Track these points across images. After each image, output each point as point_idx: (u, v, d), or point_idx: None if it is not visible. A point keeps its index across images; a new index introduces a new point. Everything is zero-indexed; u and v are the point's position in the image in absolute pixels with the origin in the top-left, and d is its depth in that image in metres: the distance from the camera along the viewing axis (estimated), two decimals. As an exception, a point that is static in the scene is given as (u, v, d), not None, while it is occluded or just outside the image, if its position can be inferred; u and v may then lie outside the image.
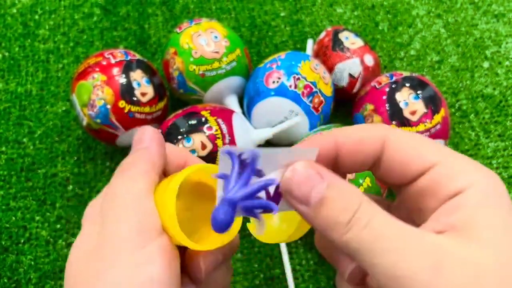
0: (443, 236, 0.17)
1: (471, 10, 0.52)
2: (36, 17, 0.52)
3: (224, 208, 0.18)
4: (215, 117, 0.37)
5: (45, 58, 0.49)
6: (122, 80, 0.38)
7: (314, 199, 0.17)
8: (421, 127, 0.37)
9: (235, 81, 0.42)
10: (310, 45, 0.49)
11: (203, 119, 0.37)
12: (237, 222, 0.21)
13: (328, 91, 0.40)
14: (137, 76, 0.39)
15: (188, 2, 0.53)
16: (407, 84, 0.38)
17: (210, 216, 0.18)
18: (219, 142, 0.36)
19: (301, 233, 0.22)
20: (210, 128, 0.36)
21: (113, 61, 0.39)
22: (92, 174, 0.43)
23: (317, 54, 0.45)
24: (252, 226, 0.22)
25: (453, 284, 0.15)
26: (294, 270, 0.39)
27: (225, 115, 0.38)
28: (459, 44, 0.50)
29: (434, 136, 0.37)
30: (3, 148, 0.44)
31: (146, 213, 0.19)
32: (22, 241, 0.40)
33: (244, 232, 0.40)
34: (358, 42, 0.43)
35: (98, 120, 0.38)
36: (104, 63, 0.39)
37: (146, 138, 0.21)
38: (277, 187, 0.18)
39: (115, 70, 0.38)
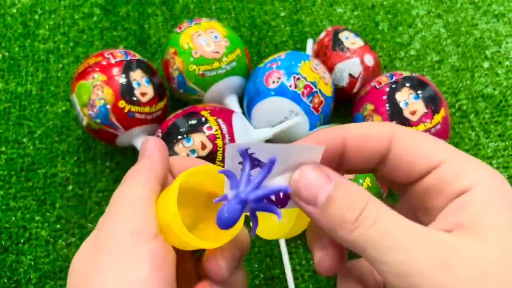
0: (450, 234, 0.17)
1: (471, 10, 0.52)
2: (36, 17, 0.52)
3: (233, 205, 0.18)
4: (215, 117, 0.37)
5: (45, 58, 0.49)
6: (122, 80, 0.38)
7: (321, 199, 0.17)
8: (421, 127, 0.37)
9: (235, 81, 0.42)
10: (310, 45, 0.49)
11: (203, 119, 0.37)
12: (241, 219, 0.22)
13: (328, 91, 0.40)
14: (137, 76, 0.39)
15: (188, 2, 0.53)
16: (407, 84, 0.38)
17: (210, 219, 0.18)
18: (219, 142, 0.36)
19: (301, 229, 0.22)
20: (210, 128, 0.36)
21: (113, 61, 0.39)
22: (92, 174, 0.43)
23: (317, 54, 0.45)
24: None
25: (461, 281, 0.15)
26: (294, 270, 0.39)
27: (225, 115, 0.38)
28: (459, 44, 0.50)
29: (434, 136, 0.37)
30: (3, 148, 0.44)
31: (141, 217, 0.19)
32: (22, 241, 0.40)
33: (244, 232, 0.40)
34: (358, 42, 0.43)
35: (98, 120, 0.38)
36: (104, 63, 0.39)
37: (149, 147, 0.22)
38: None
39: (115, 70, 0.38)
